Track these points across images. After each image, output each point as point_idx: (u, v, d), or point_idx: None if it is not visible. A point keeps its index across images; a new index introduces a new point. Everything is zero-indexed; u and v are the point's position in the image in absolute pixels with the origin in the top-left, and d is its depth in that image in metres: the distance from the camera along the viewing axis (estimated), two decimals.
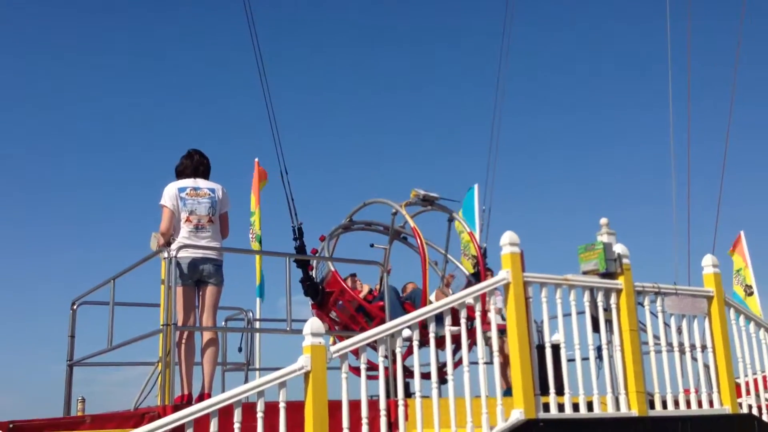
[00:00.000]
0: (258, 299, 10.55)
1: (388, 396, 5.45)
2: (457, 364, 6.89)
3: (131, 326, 7.52)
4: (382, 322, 7.28)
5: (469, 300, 5.82)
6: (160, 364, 6.12)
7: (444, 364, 7.11)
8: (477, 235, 10.31)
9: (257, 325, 9.27)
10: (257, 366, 9.14)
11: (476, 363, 5.83)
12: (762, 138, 24.67)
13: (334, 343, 6.64)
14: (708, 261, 7.08)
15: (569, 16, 27.12)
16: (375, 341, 5.38)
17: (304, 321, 4.93)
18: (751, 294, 14.21)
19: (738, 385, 6.93)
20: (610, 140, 27.19)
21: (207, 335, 6.06)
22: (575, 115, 27.06)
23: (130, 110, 26.14)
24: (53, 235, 24.88)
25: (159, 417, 5.14)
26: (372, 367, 5.97)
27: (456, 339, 5.91)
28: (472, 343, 6.09)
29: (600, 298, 6.28)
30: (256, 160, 11.04)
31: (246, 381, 7.44)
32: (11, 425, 5.38)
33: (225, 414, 4.76)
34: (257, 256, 10.35)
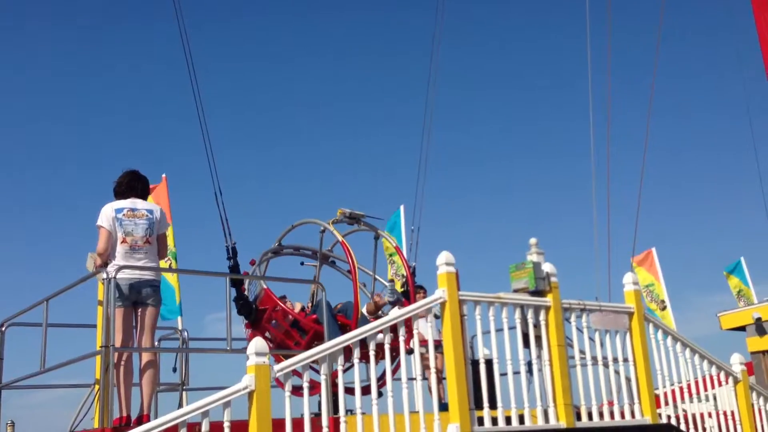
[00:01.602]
0: (180, 318, 10.46)
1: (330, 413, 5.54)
2: (382, 379, 7.03)
3: (62, 348, 7.40)
4: (316, 334, 7.37)
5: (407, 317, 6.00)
6: (96, 386, 6.06)
7: (381, 377, 7.26)
8: (405, 255, 10.55)
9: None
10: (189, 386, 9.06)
11: (414, 379, 5.99)
12: (676, 155, 25.84)
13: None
14: (629, 279, 7.46)
15: (496, 34, 27.93)
16: (317, 360, 5.48)
17: (237, 339, 4.91)
18: (664, 308, 14.92)
19: (657, 397, 7.31)
20: (535, 154, 27.98)
21: (146, 357, 6.02)
22: (502, 128, 27.75)
23: (67, 130, 25.40)
24: None
25: None
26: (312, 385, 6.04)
27: (394, 351, 6.05)
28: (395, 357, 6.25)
29: (530, 314, 6.56)
30: (164, 175, 10.93)
31: (181, 401, 7.40)
32: None
33: None
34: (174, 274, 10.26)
